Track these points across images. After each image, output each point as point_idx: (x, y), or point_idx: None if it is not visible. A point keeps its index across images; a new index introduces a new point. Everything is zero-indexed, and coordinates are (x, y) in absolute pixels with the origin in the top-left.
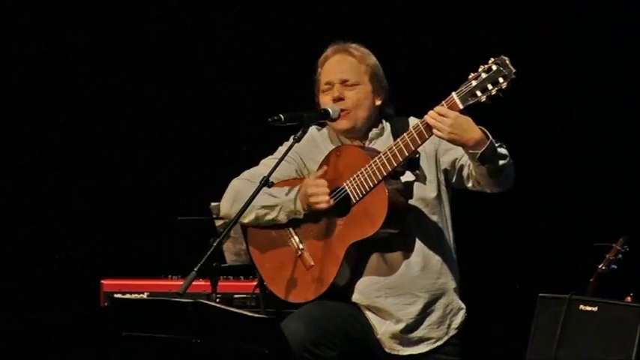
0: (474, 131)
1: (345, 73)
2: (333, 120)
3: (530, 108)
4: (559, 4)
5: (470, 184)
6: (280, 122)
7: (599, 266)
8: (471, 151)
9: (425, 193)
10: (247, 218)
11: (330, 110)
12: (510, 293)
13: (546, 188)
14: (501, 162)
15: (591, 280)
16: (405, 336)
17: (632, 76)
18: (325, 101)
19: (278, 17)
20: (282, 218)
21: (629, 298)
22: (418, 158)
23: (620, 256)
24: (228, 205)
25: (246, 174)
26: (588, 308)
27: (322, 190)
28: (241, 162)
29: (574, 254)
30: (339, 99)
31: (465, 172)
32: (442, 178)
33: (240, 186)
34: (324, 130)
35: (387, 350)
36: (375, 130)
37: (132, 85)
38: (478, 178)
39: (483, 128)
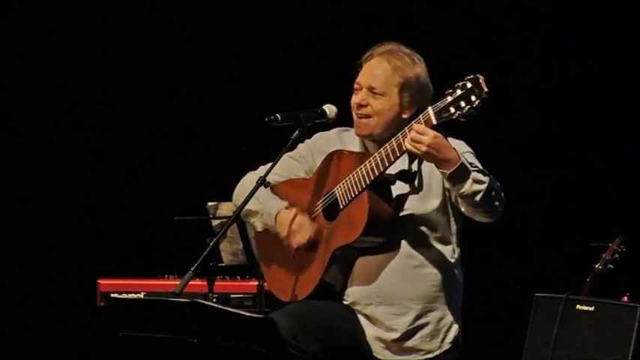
0: (447, 151)
1: (374, 80)
2: (331, 120)
3: (529, 108)
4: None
5: (463, 209)
6: (277, 122)
7: (596, 266)
8: (441, 170)
9: (427, 207)
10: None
11: (327, 110)
12: (507, 293)
13: (543, 188)
14: (475, 187)
15: (588, 280)
16: (393, 344)
17: (631, 76)
18: (352, 99)
19: (278, 17)
20: (258, 226)
21: (625, 298)
22: (414, 172)
23: (616, 255)
24: (235, 196)
25: (260, 169)
26: (585, 308)
27: (303, 236)
28: (240, 162)
29: (571, 254)
30: (360, 105)
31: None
32: (449, 196)
33: (249, 181)
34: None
35: (374, 354)
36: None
37: (131, 84)
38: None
39: (457, 150)
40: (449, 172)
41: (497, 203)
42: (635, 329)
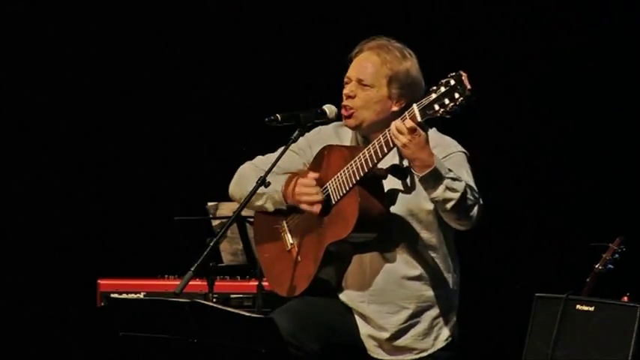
0: (424, 152)
1: (362, 72)
2: (331, 120)
3: (529, 107)
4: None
5: (440, 214)
6: (277, 122)
7: (596, 266)
8: (414, 172)
9: (419, 207)
10: (243, 201)
11: (327, 110)
12: (507, 293)
13: (543, 188)
14: (448, 194)
15: (588, 280)
16: (385, 343)
17: (630, 75)
18: (343, 92)
19: (278, 17)
20: (269, 206)
21: (625, 298)
22: (405, 167)
23: (616, 255)
24: (232, 186)
25: (257, 159)
26: (585, 308)
27: (310, 191)
28: (240, 162)
29: (571, 254)
30: (348, 97)
31: None
32: None
33: (246, 170)
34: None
35: (368, 352)
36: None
37: (130, 83)
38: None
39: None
40: (421, 174)
41: (470, 213)
42: (635, 329)
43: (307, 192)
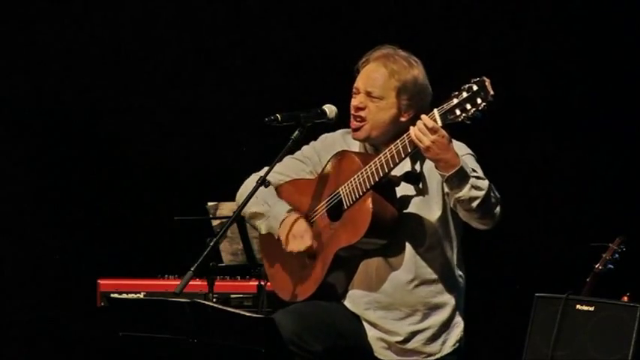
0: (449, 153)
1: (371, 84)
2: (331, 120)
3: (528, 108)
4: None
5: (460, 214)
6: (277, 122)
7: (596, 266)
8: (440, 172)
9: (429, 212)
10: (245, 214)
11: (327, 110)
12: (508, 293)
13: (543, 188)
14: (473, 192)
15: (588, 279)
16: (395, 345)
17: (629, 77)
18: (351, 104)
19: (277, 17)
20: (262, 228)
21: (625, 298)
22: (418, 173)
23: (616, 255)
24: (239, 196)
25: (263, 171)
26: (585, 308)
27: (300, 244)
28: (240, 162)
29: (571, 254)
30: (358, 108)
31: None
32: (449, 200)
33: (251, 181)
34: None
35: (374, 354)
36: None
37: (131, 83)
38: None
39: (459, 155)
40: (447, 174)
41: (494, 211)
42: (635, 329)
43: (298, 240)
